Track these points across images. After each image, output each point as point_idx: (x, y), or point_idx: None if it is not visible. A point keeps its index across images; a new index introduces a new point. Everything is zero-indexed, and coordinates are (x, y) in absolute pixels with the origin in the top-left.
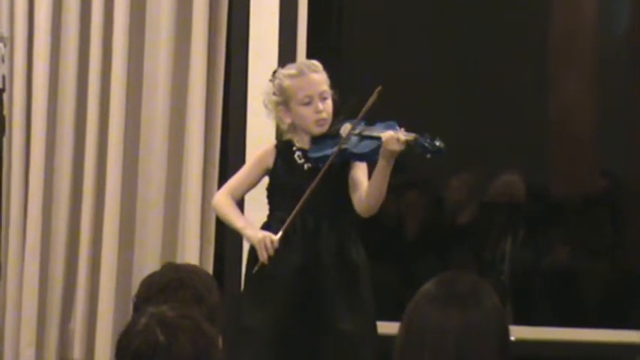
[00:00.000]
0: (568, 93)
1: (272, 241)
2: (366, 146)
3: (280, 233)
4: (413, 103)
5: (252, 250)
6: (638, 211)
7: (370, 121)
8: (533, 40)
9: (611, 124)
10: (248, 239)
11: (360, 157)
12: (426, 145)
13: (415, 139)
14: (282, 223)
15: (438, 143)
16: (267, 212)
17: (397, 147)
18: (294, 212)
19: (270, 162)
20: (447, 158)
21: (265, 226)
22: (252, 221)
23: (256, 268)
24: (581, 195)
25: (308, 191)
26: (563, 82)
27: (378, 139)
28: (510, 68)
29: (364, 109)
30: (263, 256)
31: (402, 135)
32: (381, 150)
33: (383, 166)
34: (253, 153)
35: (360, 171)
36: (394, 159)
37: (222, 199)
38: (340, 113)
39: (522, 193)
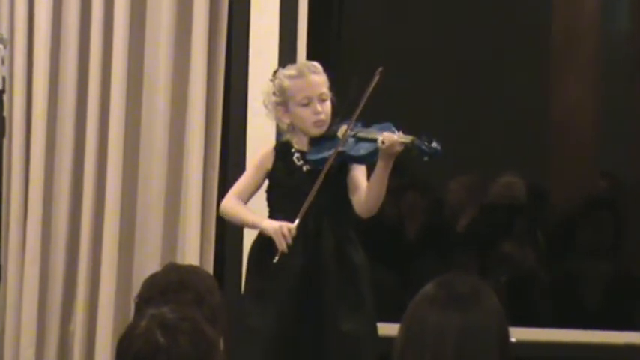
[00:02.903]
0: (569, 94)
1: (289, 229)
2: (362, 149)
3: (297, 221)
4: (412, 105)
5: (253, 250)
6: (638, 213)
7: (367, 122)
8: (534, 41)
9: (611, 125)
10: (265, 231)
11: (357, 160)
12: (424, 147)
13: (412, 142)
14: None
15: (435, 145)
16: (266, 214)
17: (396, 148)
18: (306, 204)
19: (269, 164)
20: (447, 160)
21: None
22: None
23: (277, 258)
24: (582, 196)
25: (311, 196)
26: (563, 84)
27: (375, 141)
28: (511, 69)
29: (367, 92)
30: (282, 245)
31: (398, 137)
32: (379, 151)
33: (381, 168)
34: (254, 154)
35: (358, 172)
36: (392, 161)
37: (230, 202)
38: (339, 113)
39: (522, 194)
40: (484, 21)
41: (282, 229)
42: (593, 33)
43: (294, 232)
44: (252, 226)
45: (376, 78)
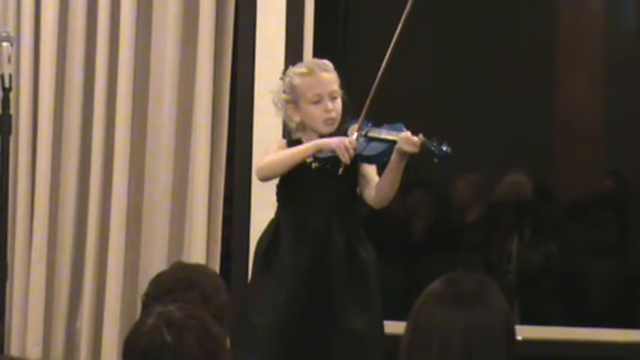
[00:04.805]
0: (574, 93)
1: (350, 142)
2: (373, 148)
3: (355, 134)
4: (419, 104)
5: (261, 247)
6: None
7: (378, 122)
8: (540, 39)
9: (617, 123)
10: (326, 148)
11: (368, 159)
12: (432, 149)
13: (422, 143)
14: (292, 218)
15: (445, 148)
16: (273, 213)
17: (412, 149)
18: (362, 117)
19: None
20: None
21: (273, 224)
22: (260, 221)
23: (341, 169)
24: (588, 195)
25: (367, 106)
26: (569, 82)
27: (385, 141)
28: (516, 68)
29: (402, 20)
30: (345, 158)
31: (418, 139)
32: (396, 148)
33: (396, 162)
34: (260, 152)
35: (369, 167)
36: (407, 158)
37: (268, 156)
38: (348, 112)
39: (529, 193)
40: (492, 20)
41: (344, 142)
42: (599, 31)
43: (354, 143)
44: (308, 151)
45: (410, 5)
